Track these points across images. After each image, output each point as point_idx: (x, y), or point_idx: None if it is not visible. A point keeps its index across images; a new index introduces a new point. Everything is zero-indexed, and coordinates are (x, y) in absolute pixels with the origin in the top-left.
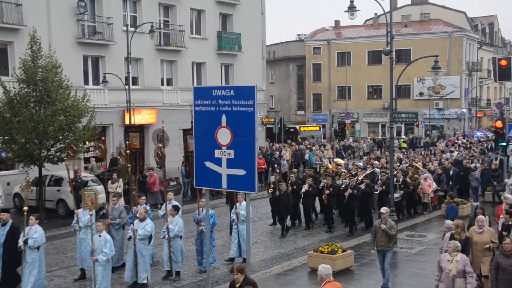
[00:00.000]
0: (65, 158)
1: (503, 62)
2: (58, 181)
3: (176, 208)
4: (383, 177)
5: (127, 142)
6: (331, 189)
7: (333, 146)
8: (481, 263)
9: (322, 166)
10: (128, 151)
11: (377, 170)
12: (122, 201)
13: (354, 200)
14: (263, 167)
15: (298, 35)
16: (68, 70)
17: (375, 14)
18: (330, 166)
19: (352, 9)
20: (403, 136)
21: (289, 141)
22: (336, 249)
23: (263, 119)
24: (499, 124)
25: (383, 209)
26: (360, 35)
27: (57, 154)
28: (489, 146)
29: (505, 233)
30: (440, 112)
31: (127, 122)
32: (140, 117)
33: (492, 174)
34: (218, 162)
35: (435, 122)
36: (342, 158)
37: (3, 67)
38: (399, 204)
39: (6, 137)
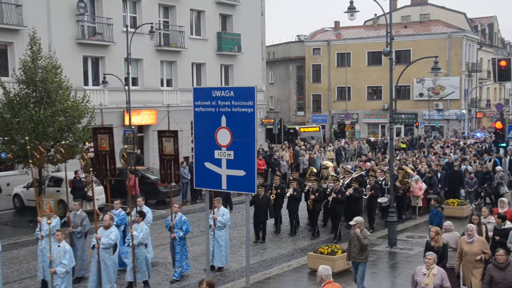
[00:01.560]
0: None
1: (503, 63)
2: (57, 182)
3: (141, 214)
4: (371, 181)
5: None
6: (316, 194)
7: (323, 147)
8: (471, 276)
9: (309, 169)
10: (90, 154)
11: (363, 173)
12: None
13: (339, 204)
14: (263, 168)
15: (298, 36)
16: (68, 71)
17: (375, 15)
18: (330, 165)
19: (352, 10)
20: (403, 137)
21: (286, 142)
22: (336, 250)
23: (263, 120)
24: (499, 125)
25: (354, 220)
26: (360, 36)
27: (57, 155)
28: (483, 147)
29: (497, 237)
30: (440, 113)
31: (126, 123)
32: (140, 118)
33: (484, 176)
34: (218, 163)
35: (435, 123)
36: (341, 159)
37: (3, 68)
38: (387, 209)
39: (6, 138)
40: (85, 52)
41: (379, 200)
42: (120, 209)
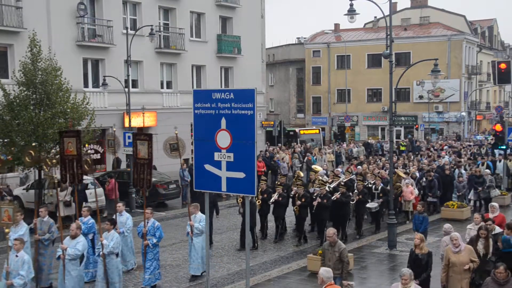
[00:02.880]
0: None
1: (503, 66)
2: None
3: (112, 222)
4: (359, 186)
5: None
6: (302, 200)
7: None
8: None
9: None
10: (54, 160)
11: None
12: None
13: (324, 210)
14: (263, 170)
15: (298, 38)
16: (68, 73)
17: (375, 17)
18: (319, 169)
19: (351, 12)
20: (403, 139)
21: (279, 144)
22: None
23: (263, 122)
24: (498, 127)
25: (330, 231)
26: (360, 38)
27: (57, 157)
28: (476, 150)
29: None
30: (440, 116)
31: (126, 125)
32: (140, 120)
33: (476, 180)
34: (217, 165)
35: (435, 125)
36: (341, 161)
37: (3, 70)
38: (378, 214)
39: (5, 140)
40: (85, 54)
41: (368, 205)
42: (89, 216)
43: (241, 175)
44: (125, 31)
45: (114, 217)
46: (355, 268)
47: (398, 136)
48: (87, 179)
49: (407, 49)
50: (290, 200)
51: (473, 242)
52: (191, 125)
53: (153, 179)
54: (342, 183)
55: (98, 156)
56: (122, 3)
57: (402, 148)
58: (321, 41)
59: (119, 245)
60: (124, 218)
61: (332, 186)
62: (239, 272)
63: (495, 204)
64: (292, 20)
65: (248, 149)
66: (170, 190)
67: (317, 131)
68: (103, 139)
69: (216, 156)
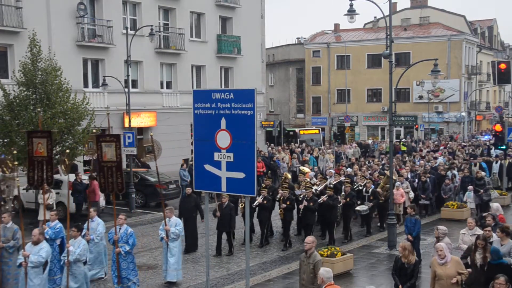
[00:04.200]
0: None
1: (503, 66)
2: (57, 184)
3: (79, 229)
4: (347, 188)
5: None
6: (288, 203)
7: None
8: None
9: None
10: (16, 162)
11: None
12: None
13: (310, 213)
14: (262, 170)
15: (298, 38)
16: (68, 73)
17: (375, 17)
18: (308, 171)
19: (351, 12)
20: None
21: (272, 144)
22: (335, 253)
23: (263, 122)
24: (498, 127)
25: (308, 238)
26: (360, 38)
27: (57, 157)
28: (473, 151)
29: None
30: (440, 116)
31: (126, 125)
32: (140, 120)
33: (477, 182)
34: (217, 165)
35: (435, 125)
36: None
37: (2, 70)
38: (368, 217)
39: (5, 140)
40: (85, 54)
41: (358, 208)
42: (56, 220)
43: (241, 175)
44: (125, 31)
45: (85, 222)
46: (355, 268)
47: (398, 136)
48: (87, 179)
49: (407, 49)
50: (277, 203)
51: (470, 252)
52: (191, 125)
53: (153, 179)
54: (331, 186)
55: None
56: (122, 3)
57: (403, 148)
58: (321, 41)
59: (86, 252)
60: (95, 224)
61: (319, 188)
62: (239, 272)
63: (495, 204)
64: (292, 20)
65: (248, 149)
66: (170, 190)
67: (317, 131)
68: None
69: (216, 156)
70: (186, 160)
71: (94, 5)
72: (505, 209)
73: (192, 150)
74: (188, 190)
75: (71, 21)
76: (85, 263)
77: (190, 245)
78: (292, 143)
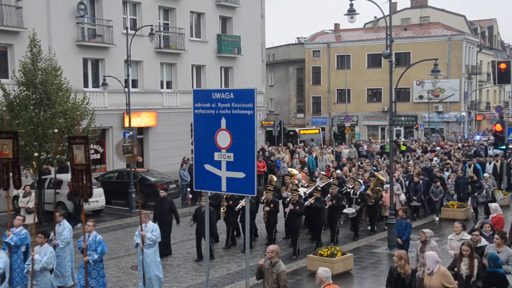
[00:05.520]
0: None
1: (503, 66)
2: (57, 184)
3: (45, 235)
4: (333, 190)
5: None
6: (271, 206)
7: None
8: None
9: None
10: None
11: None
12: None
13: (296, 217)
14: (262, 170)
15: (298, 38)
16: (68, 72)
17: (375, 17)
18: (296, 172)
19: (351, 12)
20: (403, 139)
21: (268, 143)
22: (335, 252)
23: (263, 122)
24: (498, 127)
25: (270, 247)
26: (360, 38)
27: (57, 157)
28: (468, 152)
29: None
30: (440, 115)
31: (126, 125)
32: (140, 120)
33: (473, 185)
34: (217, 165)
35: (435, 125)
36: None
37: (3, 70)
38: (356, 220)
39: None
40: (85, 54)
41: (345, 210)
42: (21, 227)
43: (241, 175)
44: (125, 31)
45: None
46: (355, 268)
47: (397, 136)
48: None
49: (407, 49)
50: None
51: (456, 262)
52: (191, 125)
53: (153, 179)
54: (318, 188)
55: (98, 156)
56: (122, 3)
57: (403, 148)
58: (321, 41)
59: (54, 260)
60: (61, 229)
61: (308, 191)
62: (239, 272)
63: (494, 204)
64: (292, 20)
65: (248, 149)
66: (170, 190)
67: (317, 131)
68: (103, 139)
69: (216, 156)
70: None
71: (94, 5)
72: (505, 209)
73: (192, 150)
74: (162, 193)
75: (71, 21)
76: (51, 271)
77: (163, 249)
78: (289, 143)
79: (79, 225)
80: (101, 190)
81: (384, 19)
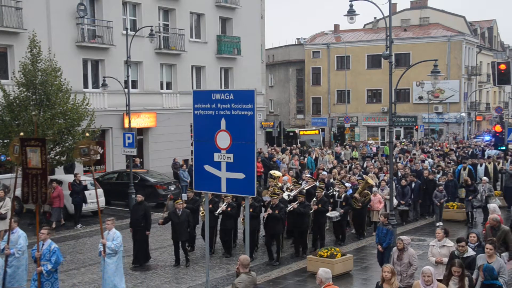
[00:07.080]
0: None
1: (502, 66)
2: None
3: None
4: (319, 194)
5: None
6: (250, 210)
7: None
8: None
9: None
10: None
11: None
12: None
13: (276, 222)
14: (261, 170)
15: (298, 39)
16: (68, 73)
17: (375, 18)
18: (279, 174)
19: (351, 13)
20: (403, 140)
21: (265, 145)
22: (335, 253)
23: (263, 123)
24: (498, 128)
25: (241, 257)
26: (360, 39)
27: (56, 157)
28: (463, 153)
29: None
30: (440, 116)
31: (126, 125)
32: (140, 121)
33: (468, 189)
34: (217, 165)
35: (435, 126)
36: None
37: (2, 71)
38: (340, 224)
39: (5, 141)
40: (85, 55)
41: (328, 214)
42: None
43: (240, 175)
44: (125, 32)
45: (6, 234)
46: (355, 268)
47: (398, 137)
48: (86, 179)
49: (407, 50)
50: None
51: (443, 280)
52: (191, 125)
53: (152, 180)
54: (303, 191)
55: (97, 157)
56: (122, 4)
57: (386, 152)
58: (321, 41)
59: (1, 270)
60: (16, 237)
61: (292, 194)
62: None
63: (492, 205)
64: (291, 21)
65: (247, 150)
66: (170, 191)
67: (317, 132)
68: (103, 140)
69: (216, 156)
70: (186, 161)
71: (94, 5)
72: (503, 210)
73: (192, 150)
74: (139, 197)
75: (71, 21)
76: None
77: (140, 256)
78: (286, 145)
79: (79, 225)
80: (101, 191)
81: (384, 20)
